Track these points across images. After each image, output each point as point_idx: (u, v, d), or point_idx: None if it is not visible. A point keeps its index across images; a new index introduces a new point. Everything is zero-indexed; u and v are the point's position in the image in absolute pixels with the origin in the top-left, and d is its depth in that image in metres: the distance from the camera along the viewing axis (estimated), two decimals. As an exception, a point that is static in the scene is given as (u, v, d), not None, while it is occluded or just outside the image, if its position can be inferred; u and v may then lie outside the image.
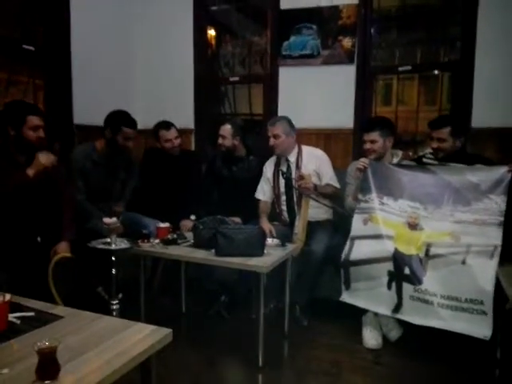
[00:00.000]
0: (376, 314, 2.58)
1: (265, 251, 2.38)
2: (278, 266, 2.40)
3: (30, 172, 2.25)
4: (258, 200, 3.16)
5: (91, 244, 2.13)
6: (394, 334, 2.57)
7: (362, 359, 2.44)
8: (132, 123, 2.91)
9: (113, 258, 2.12)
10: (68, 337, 1.36)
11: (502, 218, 2.24)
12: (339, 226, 2.93)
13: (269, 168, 3.16)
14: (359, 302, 2.52)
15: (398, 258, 2.40)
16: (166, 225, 2.64)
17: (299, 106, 3.65)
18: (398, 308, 2.39)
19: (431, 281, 2.29)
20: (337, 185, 3.01)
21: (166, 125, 3.26)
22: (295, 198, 3.00)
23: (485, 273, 2.15)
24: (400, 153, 2.84)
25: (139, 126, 3.72)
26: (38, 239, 2.33)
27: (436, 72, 3.95)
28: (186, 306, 3.07)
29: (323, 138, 3.61)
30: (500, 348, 2.10)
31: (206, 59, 4.18)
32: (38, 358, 1.12)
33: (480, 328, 2.11)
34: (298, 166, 3.02)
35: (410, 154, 3.51)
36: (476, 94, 3.18)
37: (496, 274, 2.13)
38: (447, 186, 2.42)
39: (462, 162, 2.53)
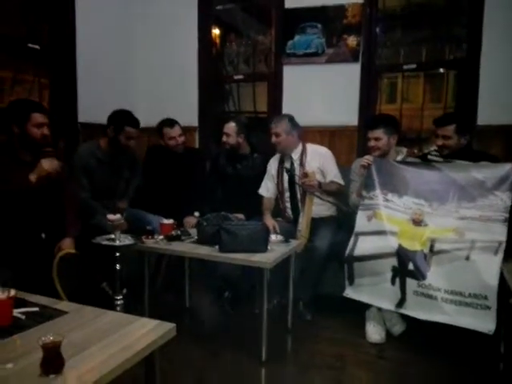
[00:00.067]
0: (379, 309, 2.58)
1: (268, 247, 2.39)
2: (281, 262, 2.41)
3: (32, 177, 2.24)
4: (262, 197, 3.17)
5: (95, 240, 2.15)
6: (398, 328, 2.57)
7: (366, 353, 2.45)
8: (135, 123, 2.92)
9: (117, 254, 2.14)
10: (72, 332, 1.37)
11: (507, 215, 2.25)
12: (343, 223, 2.93)
13: (273, 165, 3.17)
14: (363, 297, 2.53)
15: (401, 254, 2.40)
16: (170, 221, 2.65)
17: (304, 104, 3.65)
18: (401, 303, 2.40)
19: (435, 276, 2.29)
20: (341, 182, 3.02)
21: (170, 122, 3.27)
22: (299, 195, 3.01)
23: (489, 268, 2.15)
24: (405, 150, 2.84)
25: (143, 124, 3.74)
26: (43, 235, 2.34)
27: (441, 70, 3.93)
28: (190, 301, 3.08)
29: (328, 136, 3.61)
30: (504, 342, 2.11)
31: (210, 58, 4.18)
32: (43, 352, 1.13)
33: (484, 322, 2.12)
34: (301, 164, 3.02)
35: (415, 151, 3.50)
36: (481, 92, 3.17)
37: (500, 270, 2.13)
38: (452, 183, 2.42)
39: (467, 159, 2.52)
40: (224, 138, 3.22)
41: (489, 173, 2.34)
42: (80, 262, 2.30)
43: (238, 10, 4.24)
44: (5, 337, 1.34)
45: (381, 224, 2.52)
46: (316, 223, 2.89)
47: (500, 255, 2.17)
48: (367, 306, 2.61)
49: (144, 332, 1.39)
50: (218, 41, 4.36)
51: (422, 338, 2.48)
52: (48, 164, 2.28)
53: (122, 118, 2.89)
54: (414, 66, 3.62)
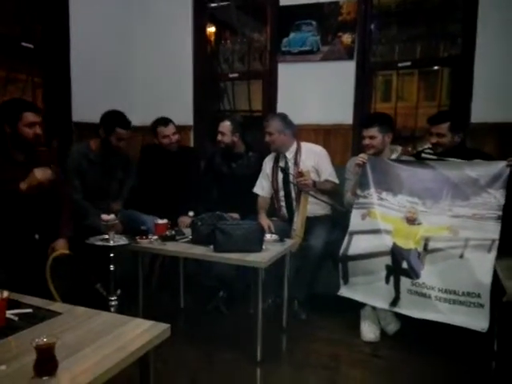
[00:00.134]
0: (374, 308, 2.59)
1: (263, 247, 2.39)
2: (276, 262, 2.41)
3: (23, 186, 2.22)
4: (257, 196, 3.17)
5: (89, 241, 2.14)
6: (392, 327, 2.58)
7: (361, 352, 2.45)
8: (126, 124, 2.90)
9: (111, 255, 2.13)
10: (66, 333, 1.37)
11: (500, 213, 2.25)
12: (338, 222, 2.94)
13: (268, 164, 3.17)
14: (357, 296, 2.54)
15: (396, 253, 2.41)
16: (164, 221, 2.64)
17: (298, 102, 3.65)
18: (395, 302, 2.41)
19: (429, 274, 2.30)
20: (336, 180, 3.02)
21: (164, 121, 3.26)
22: (293, 194, 3.01)
23: (482, 266, 2.17)
24: (399, 148, 2.84)
25: (138, 123, 3.73)
26: (36, 236, 2.33)
27: (436, 67, 3.94)
28: (185, 301, 3.08)
29: (322, 134, 3.61)
30: (497, 340, 2.11)
31: (205, 56, 4.17)
32: (36, 354, 1.12)
33: (477, 320, 2.13)
34: (296, 163, 3.02)
35: (410, 149, 3.51)
36: (476, 90, 3.18)
37: (494, 268, 2.14)
38: (446, 181, 2.42)
39: (461, 157, 2.53)
40: (219, 137, 3.22)
41: (482, 171, 2.34)
42: (74, 262, 2.29)
43: (233, 7, 4.22)
44: (-2, 338, 1.33)
45: (375, 223, 2.53)
46: (311, 222, 2.89)
47: (493, 253, 2.19)
48: (362, 305, 2.61)
49: (138, 333, 1.38)
50: (212, 39, 4.35)
51: (416, 337, 2.49)
52: (40, 174, 2.25)
53: (113, 120, 2.87)
54: (408, 63, 3.62)
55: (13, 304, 1.52)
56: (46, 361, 1.13)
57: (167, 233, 2.57)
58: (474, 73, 3.17)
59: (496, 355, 2.12)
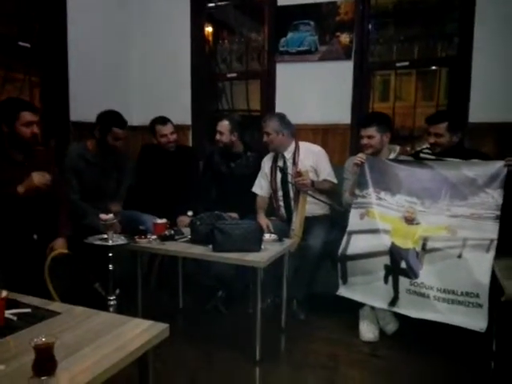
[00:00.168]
0: (373, 308, 2.59)
1: (262, 246, 2.39)
2: (275, 261, 2.41)
3: (21, 189, 2.22)
4: (256, 195, 3.17)
5: (88, 240, 2.14)
6: (391, 327, 2.59)
7: (359, 352, 2.46)
8: (122, 123, 2.89)
9: (110, 254, 2.13)
10: (65, 333, 1.36)
11: (498, 212, 2.26)
12: (336, 221, 2.94)
13: (267, 163, 3.17)
14: (356, 296, 2.54)
15: (394, 252, 2.41)
16: (163, 221, 2.64)
17: (297, 101, 3.66)
18: (394, 301, 2.41)
19: (427, 274, 2.30)
20: (334, 180, 3.02)
21: (163, 120, 3.27)
22: (292, 194, 3.01)
23: (481, 266, 2.17)
24: (397, 148, 2.84)
25: (136, 123, 3.73)
26: (35, 236, 2.33)
27: (433, 67, 3.94)
28: (184, 301, 3.07)
29: (321, 134, 3.61)
30: (495, 340, 2.11)
31: (203, 55, 4.17)
32: (35, 354, 1.12)
33: (476, 320, 2.13)
34: (294, 162, 3.02)
35: (408, 149, 3.51)
36: (473, 90, 3.19)
37: (492, 268, 2.15)
38: (444, 180, 2.43)
39: (459, 157, 2.54)
40: (217, 137, 3.22)
41: (480, 170, 2.35)
42: (72, 262, 2.29)
43: (231, 7, 4.22)
44: (-3, 338, 1.33)
45: (373, 222, 2.53)
46: (309, 222, 2.89)
47: (492, 253, 2.19)
48: (361, 305, 2.61)
49: (137, 332, 1.38)
50: (210, 38, 4.35)
51: (415, 337, 2.49)
52: (38, 178, 2.24)
53: (110, 119, 2.86)
54: (406, 63, 3.63)
55: (11, 304, 1.51)
56: (45, 361, 1.12)
57: (166, 232, 2.56)
58: (471, 73, 3.18)
59: (495, 355, 2.12)
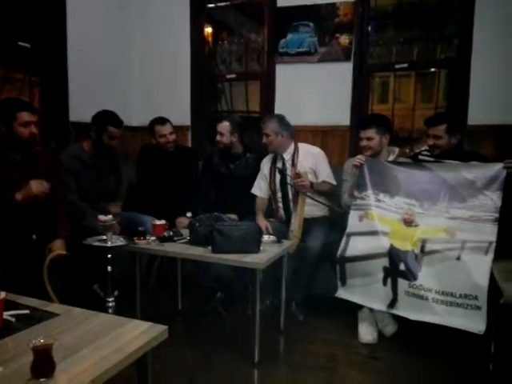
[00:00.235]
0: (371, 310, 2.59)
1: (261, 248, 2.38)
2: (274, 263, 2.41)
3: (19, 196, 2.21)
4: (255, 197, 3.17)
5: (87, 241, 2.13)
6: (390, 329, 2.59)
7: (358, 354, 2.46)
8: (118, 122, 2.88)
9: (108, 256, 2.12)
10: (63, 334, 1.36)
11: (497, 215, 2.26)
12: (335, 223, 2.94)
13: (266, 165, 3.18)
14: (355, 298, 2.54)
15: (393, 254, 2.41)
16: (162, 222, 2.64)
17: (296, 103, 3.66)
18: (393, 303, 2.41)
19: (426, 276, 2.30)
20: (333, 182, 3.02)
21: (162, 120, 3.27)
22: (290, 196, 3.01)
23: (479, 268, 2.17)
24: (396, 150, 2.85)
25: (136, 123, 3.73)
26: (33, 237, 2.33)
27: (433, 69, 3.95)
28: (182, 302, 3.07)
29: (320, 135, 3.62)
30: (494, 342, 2.12)
31: (202, 56, 4.18)
32: (33, 355, 1.12)
33: (474, 323, 2.13)
34: (293, 164, 3.02)
35: (407, 151, 3.52)
36: (472, 92, 3.19)
37: (490, 270, 2.15)
38: (443, 182, 2.43)
39: (458, 159, 2.54)
40: (218, 138, 3.21)
41: (479, 173, 2.35)
42: (71, 263, 2.29)
43: (230, 8, 4.22)
44: (-5, 340, 1.32)
45: (372, 224, 2.53)
46: (308, 223, 2.89)
47: (490, 255, 2.19)
48: (359, 307, 2.61)
49: (136, 334, 1.38)
50: (210, 39, 4.35)
51: (414, 339, 2.49)
52: (36, 186, 2.23)
53: (105, 118, 2.86)
54: (405, 65, 3.64)
55: (10, 305, 1.51)
56: (44, 362, 1.13)
57: (165, 233, 2.56)
58: (470, 75, 3.19)
59: (493, 357, 2.12)
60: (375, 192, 2.60)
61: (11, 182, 2.24)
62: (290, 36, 3.69)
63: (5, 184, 2.22)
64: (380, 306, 2.46)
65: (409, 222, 2.46)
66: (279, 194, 3.09)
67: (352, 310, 2.64)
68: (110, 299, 2.12)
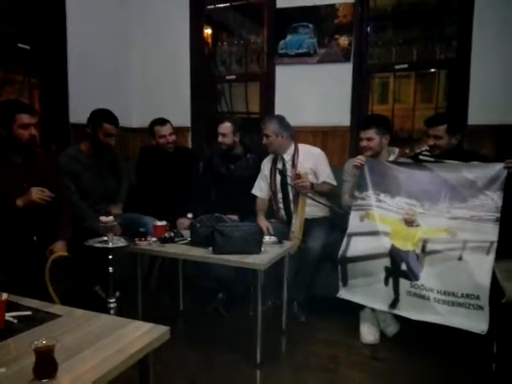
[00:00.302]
0: (373, 310, 2.59)
1: (262, 249, 2.39)
2: (275, 264, 2.41)
3: (19, 202, 2.21)
4: (256, 197, 3.16)
5: (88, 242, 2.13)
6: (392, 329, 2.58)
7: (360, 354, 2.46)
8: (112, 119, 2.88)
9: (110, 257, 2.12)
10: (65, 335, 1.36)
11: (498, 215, 2.25)
12: (336, 223, 2.94)
13: (266, 165, 3.18)
14: (356, 298, 2.54)
15: (394, 255, 2.41)
16: (163, 223, 2.64)
17: (296, 104, 3.66)
18: (394, 304, 2.41)
19: (428, 276, 2.30)
20: (333, 182, 3.02)
21: (162, 121, 3.27)
22: (291, 196, 3.01)
23: (481, 268, 2.16)
24: (397, 150, 2.85)
25: (136, 125, 3.72)
26: (35, 238, 2.32)
27: (432, 70, 3.95)
28: (184, 303, 3.07)
29: (320, 136, 3.62)
30: (496, 342, 2.12)
31: (202, 58, 4.18)
32: (35, 356, 1.11)
33: (476, 322, 2.13)
34: (293, 165, 3.02)
35: (407, 151, 3.52)
36: (472, 92, 3.19)
37: (492, 269, 2.14)
38: (444, 183, 2.43)
39: (459, 159, 2.54)
40: (220, 139, 3.21)
41: (480, 173, 2.35)
42: (72, 264, 2.29)
43: (230, 9, 4.23)
44: (-3, 341, 1.32)
45: (373, 224, 2.53)
46: (309, 224, 2.89)
47: (492, 255, 2.18)
48: (361, 307, 2.61)
49: (138, 335, 1.38)
50: (209, 40, 4.35)
51: (416, 339, 2.49)
52: (36, 193, 2.22)
53: (100, 115, 2.87)
54: (405, 65, 3.64)
55: (12, 306, 1.51)
56: (46, 363, 1.12)
57: (166, 235, 2.56)
58: (470, 75, 3.19)
59: (496, 357, 2.12)
60: (376, 192, 2.60)
61: (11, 184, 2.24)
62: (289, 37, 3.69)
63: (5, 186, 2.22)
64: (382, 306, 2.46)
65: (410, 222, 2.46)
66: (280, 195, 3.09)
67: (354, 311, 2.64)
68: (112, 300, 2.12)
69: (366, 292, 2.50)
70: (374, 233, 2.51)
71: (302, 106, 3.64)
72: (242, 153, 3.31)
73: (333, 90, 3.58)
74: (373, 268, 2.47)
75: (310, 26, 3.62)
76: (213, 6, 4.21)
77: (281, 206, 3.10)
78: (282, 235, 2.73)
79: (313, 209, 2.95)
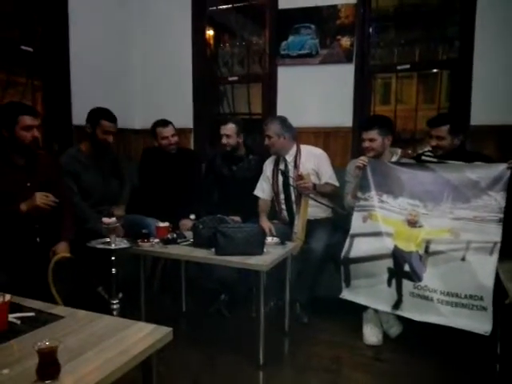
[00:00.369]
0: (376, 311, 2.59)
1: (264, 250, 2.38)
2: (277, 265, 2.40)
3: (23, 207, 2.22)
4: (258, 198, 3.16)
5: (91, 244, 2.13)
6: (395, 330, 2.58)
7: (363, 356, 2.45)
8: (110, 116, 2.89)
9: (112, 258, 2.12)
10: (68, 337, 1.36)
11: (501, 215, 2.25)
12: (339, 224, 2.93)
13: (268, 166, 3.18)
14: (359, 299, 2.53)
15: (397, 255, 2.41)
16: (166, 224, 2.64)
17: (298, 105, 3.66)
18: (397, 305, 2.40)
19: (431, 277, 2.30)
20: (336, 183, 3.02)
21: (164, 122, 3.28)
22: (293, 197, 3.01)
23: (484, 269, 2.16)
24: (399, 151, 2.85)
25: (138, 126, 3.73)
26: (38, 240, 2.33)
27: (435, 70, 3.95)
28: (186, 304, 3.07)
29: (322, 137, 3.62)
30: (500, 343, 2.10)
31: (204, 59, 4.18)
32: (39, 358, 1.12)
33: (480, 323, 2.12)
34: (295, 165, 3.02)
35: (410, 152, 3.51)
36: (475, 92, 3.19)
37: (496, 270, 2.14)
38: (446, 183, 2.42)
39: (461, 159, 2.53)
40: (224, 140, 3.21)
41: (483, 173, 2.34)
42: (75, 266, 2.29)
43: (232, 10, 4.23)
44: (0, 342, 1.32)
45: (376, 225, 2.52)
46: (312, 225, 2.89)
47: (495, 256, 2.18)
48: (364, 308, 2.61)
49: (141, 336, 1.38)
50: (212, 42, 4.36)
51: (419, 340, 2.48)
52: (40, 198, 2.22)
53: (98, 113, 2.88)
54: (407, 66, 3.64)
55: (15, 307, 1.51)
56: (49, 364, 1.13)
57: (168, 236, 2.56)
58: (472, 75, 3.18)
59: (499, 358, 2.11)
60: (379, 193, 2.59)
61: (14, 186, 2.25)
62: (291, 38, 3.69)
63: (8, 188, 2.22)
64: (385, 307, 2.46)
65: (413, 223, 2.45)
66: (282, 196, 3.09)
67: (356, 312, 2.63)
68: (115, 301, 2.12)
69: (369, 293, 2.50)
70: (377, 234, 2.51)
71: (304, 107, 3.64)
72: (245, 154, 3.31)
73: (335, 90, 3.58)
74: (376, 269, 2.47)
75: (312, 26, 3.62)
76: (215, 8, 4.22)
77: (283, 207, 3.10)
78: (285, 236, 2.72)
79: (315, 210, 2.95)
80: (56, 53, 3.38)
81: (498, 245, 2.19)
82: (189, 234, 2.66)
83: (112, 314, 2.06)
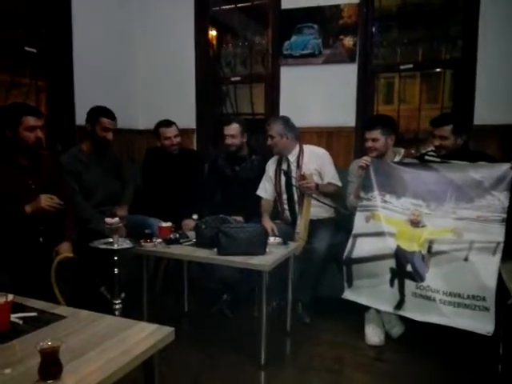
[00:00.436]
0: (378, 311, 2.58)
1: (267, 250, 2.39)
2: (280, 265, 2.41)
3: (28, 209, 2.23)
4: (261, 198, 3.17)
5: (93, 244, 2.14)
6: (397, 330, 2.58)
7: (365, 356, 2.45)
8: (109, 114, 2.89)
9: (115, 258, 2.13)
10: (70, 336, 1.36)
11: (504, 215, 2.24)
12: (341, 224, 2.93)
13: (271, 166, 3.18)
14: (361, 299, 2.53)
15: (400, 256, 2.40)
16: (168, 224, 2.65)
17: (301, 105, 3.66)
18: (400, 305, 2.40)
19: (433, 277, 2.29)
20: (338, 183, 3.02)
21: (167, 123, 3.28)
22: (296, 197, 3.01)
23: (487, 269, 2.15)
24: (402, 151, 2.84)
25: (141, 127, 3.73)
26: (40, 240, 2.34)
27: (438, 70, 3.94)
28: (189, 304, 3.07)
29: (325, 137, 3.62)
30: (502, 343, 2.10)
31: (207, 59, 4.19)
32: (41, 357, 1.12)
33: (482, 324, 2.11)
34: (298, 166, 3.02)
35: (413, 151, 3.51)
36: (478, 92, 3.18)
37: (498, 270, 2.13)
38: (450, 183, 2.41)
39: (465, 159, 2.52)
40: (229, 141, 3.20)
41: (486, 173, 2.33)
42: (78, 266, 2.29)
43: (235, 10, 4.23)
44: (3, 342, 1.33)
45: (379, 225, 2.52)
46: (314, 225, 2.88)
47: (498, 256, 2.17)
48: (366, 308, 2.60)
49: (143, 336, 1.38)
50: (214, 42, 4.36)
51: (421, 340, 2.48)
52: (45, 200, 2.24)
53: (97, 111, 2.89)
54: (410, 65, 3.63)
55: (17, 307, 1.52)
56: (51, 364, 1.13)
57: (171, 236, 2.57)
58: (476, 75, 3.17)
59: (502, 358, 2.10)
60: (381, 193, 2.59)
61: (17, 186, 2.26)
62: (294, 38, 3.69)
63: (11, 188, 2.23)
64: (387, 307, 2.45)
65: (415, 223, 2.45)
66: (285, 196, 3.09)
67: (359, 312, 2.63)
68: (117, 301, 2.12)
69: (371, 293, 2.49)
70: (380, 234, 2.50)
71: (306, 107, 3.64)
72: (247, 154, 3.31)
73: (338, 90, 3.58)
74: (378, 269, 2.46)
75: (315, 26, 3.61)
76: (217, 8, 4.22)
77: (286, 207, 3.09)
78: (287, 236, 2.73)
79: (318, 210, 2.95)
80: (60, 54, 3.39)
81: (501, 245, 2.18)
82: (191, 234, 2.66)
83: (114, 314, 2.06)
